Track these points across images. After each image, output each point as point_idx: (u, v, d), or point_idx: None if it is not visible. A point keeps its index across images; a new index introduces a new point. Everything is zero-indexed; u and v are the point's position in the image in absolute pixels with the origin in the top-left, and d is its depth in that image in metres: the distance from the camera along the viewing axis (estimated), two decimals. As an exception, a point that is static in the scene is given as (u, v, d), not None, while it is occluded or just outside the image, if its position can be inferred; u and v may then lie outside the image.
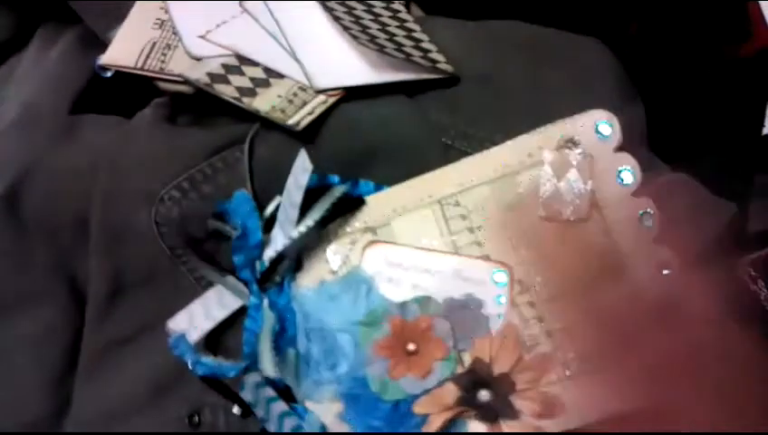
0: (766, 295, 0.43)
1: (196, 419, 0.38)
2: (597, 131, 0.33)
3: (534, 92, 0.39)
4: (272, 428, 0.34)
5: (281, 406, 0.34)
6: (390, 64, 0.39)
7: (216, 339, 0.38)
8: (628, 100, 0.38)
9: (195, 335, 0.37)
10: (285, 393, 0.35)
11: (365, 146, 0.37)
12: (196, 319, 0.37)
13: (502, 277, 0.33)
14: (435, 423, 0.32)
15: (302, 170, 0.34)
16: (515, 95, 0.39)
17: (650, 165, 0.37)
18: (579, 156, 0.33)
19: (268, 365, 0.33)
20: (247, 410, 0.36)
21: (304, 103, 0.37)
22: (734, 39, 0.38)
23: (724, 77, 0.38)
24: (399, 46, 0.39)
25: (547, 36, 0.40)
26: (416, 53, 0.39)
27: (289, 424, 0.34)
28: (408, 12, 0.42)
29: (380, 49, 0.38)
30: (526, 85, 0.39)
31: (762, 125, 0.38)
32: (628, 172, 0.32)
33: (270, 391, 0.34)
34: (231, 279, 0.37)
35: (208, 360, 0.34)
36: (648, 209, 0.32)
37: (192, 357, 0.34)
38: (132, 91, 0.43)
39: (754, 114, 0.38)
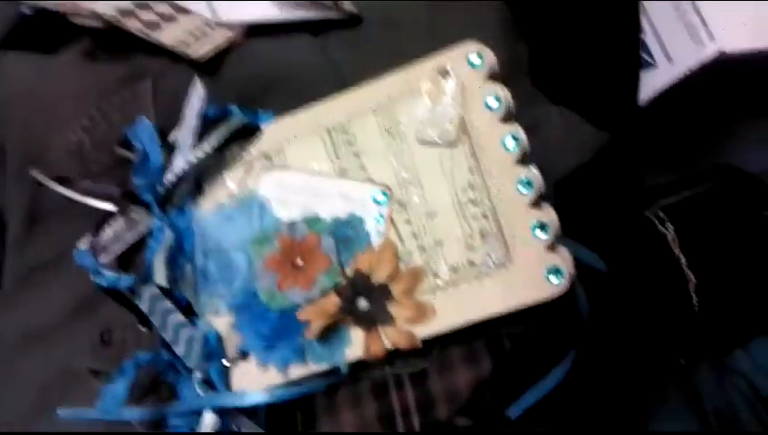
0: (673, 237, 0.46)
1: (107, 337, 0.40)
2: (468, 62, 0.35)
3: (429, 34, 0.41)
4: (168, 337, 0.36)
5: (177, 317, 0.36)
6: (296, 4, 0.41)
7: (132, 261, 0.40)
8: (511, 38, 0.41)
9: (106, 258, 0.39)
10: (186, 310, 0.38)
11: (265, 78, 0.40)
12: (107, 242, 0.40)
13: (382, 197, 0.36)
14: (314, 328, 0.35)
15: (196, 96, 0.36)
16: (412, 37, 0.42)
17: (532, 99, 0.40)
18: (451, 84, 0.35)
19: (160, 276, 0.36)
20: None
21: (209, 37, 0.39)
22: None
23: (600, 14, 0.40)
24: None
25: None
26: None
27: (185, 334, 0.36)
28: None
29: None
30: (423, 28, 0.42)
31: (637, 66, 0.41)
32: (494, 99, 0.34)
33: (167, 304, 0.37)
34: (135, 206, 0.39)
35: (108, 273, 0.37)
36: (513, 133, 0.34)
37: (93, 270, 0.37)
38: (54, 30, 0.45)
39: (629, 51, 0.41)
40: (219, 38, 0.40)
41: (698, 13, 0.44)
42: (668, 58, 0.45)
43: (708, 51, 0.43)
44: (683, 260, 0.44)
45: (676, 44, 0.44)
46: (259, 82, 0.40)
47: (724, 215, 0.45)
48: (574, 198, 0.40)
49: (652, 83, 0.45)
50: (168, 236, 0.37)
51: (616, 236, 0.44)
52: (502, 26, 0.41)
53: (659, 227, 0.47)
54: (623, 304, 0.44)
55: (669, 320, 0.46)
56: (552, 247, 0.34)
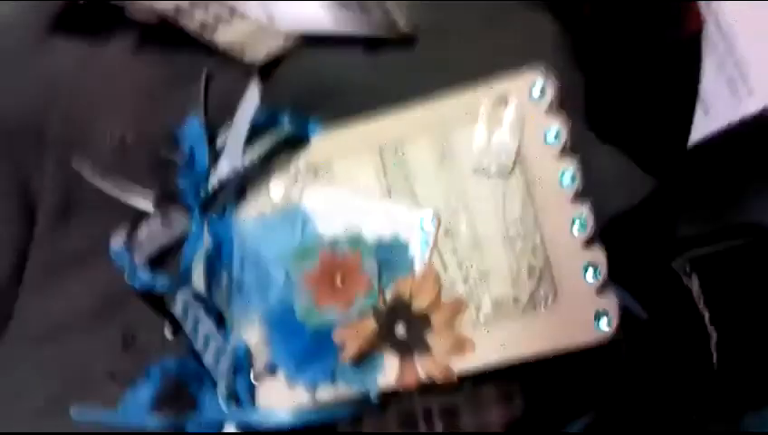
0: (698, 291, 0.45)
1: (131, 340, 0.40)
2: (530, 92, 0.34)
3: (484, 50, 0.41)
4: (198, 345, 0.35)
5: (209, 326, 0.36)
6: (351, 18, 0.40)
7: (164, 262, 0.40)
8: (569, 69, 0.40)
9: (137, 257, 0.39)
10: (218, 319, 0.37)
11: (316, 89, 0.39)
12: (141, 241, 0.39)
13: (429, 223, 0.35)
14: (350, 351, 0.34)
15: (250, 102, 0.35)
16: (467, 51, 0.41)
17: (581, 134, 0.39)
18: (511, 114, 0.34)
19: (198, 282, 0.35)
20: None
21: (264, 42, 0.39)
22: (671, 22, 0.40)
23: (661, 59, 0.40)
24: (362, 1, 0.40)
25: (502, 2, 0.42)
26: (377, 11, 0.41)
27: (214, 344, 0.35)
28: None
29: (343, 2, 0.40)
30: (478, 43, 0.41)
31: (692, 111, 0.40)
32: (554, 132, 0.34)
33: (200, 311, 0.36)
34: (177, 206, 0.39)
35: (144, 273, 0.36)
36: (570, 169, 0.33)
37: (129, 269, 0.36)
38: (104, 19, 0.44)
39: (685, 100, 0.40)
40: (273, 44, 0.39)
41: (739, 67, 0.43)
42: (706, 111, 0.44)
43: (747, 106, 0.42)
44: (706, 315, 0.44)
45: (714, 98, 0.44)
46: (310, 92, 0.39)
47: (752, 274, 0.44)
48: (619, 243, 0.39)
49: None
50: (206, 241, 0.36)
51: (647, 286, 0.44)
52: (558, 52, 0.40)
53: (685, 280, 0.46)
54: (648, 355, 0.43)
55: (688, 374, 0.45)
56: (600, 291, 0.33)
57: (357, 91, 0.40)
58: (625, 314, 0.37)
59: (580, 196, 0.34)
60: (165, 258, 0.40)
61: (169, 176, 0.39)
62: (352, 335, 0.34)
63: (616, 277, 0.36)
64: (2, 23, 0.43)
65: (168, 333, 0.38)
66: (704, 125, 0.44)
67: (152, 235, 0.39)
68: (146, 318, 0.39)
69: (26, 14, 0.45)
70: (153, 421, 0.35)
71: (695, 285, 0.45)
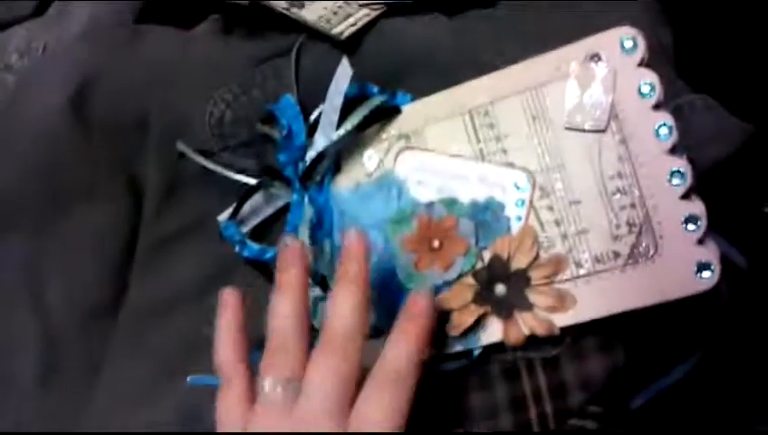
0: None
1: None
2: (621, 46, 0.34)
3: (569, 14, 0.40)
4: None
5: (316, 292, 0.37)
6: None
7: (264, 234, 0.41)
8: (657, 23, 0.39)
9: (244, 229, 0.41)
10: (322, 284, 0.39)
11: (405, 59, 0.40)
12: (244, 214, 0.41)
13: (524, 183, 0.36)
14: (457, 325, 0.35)
15: (343, 76, 0.36)
16: (551, 16, 0.41)
17: (674, 85, 0.39)
18: (603, 69, 0.34)
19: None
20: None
21: (348, 16, 0.40)
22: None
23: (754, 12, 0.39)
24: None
25: None
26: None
27: (321, 308, 0.37)
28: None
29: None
30: (561, 8, 0.41)
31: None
32: (648, 86, 0.33)
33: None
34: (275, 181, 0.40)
35: (253, 244, 0.38)
36: (666, 122, 0.33)
37: (239, 240, 0.38)
38: (191, 6, 0.46)
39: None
40: (358, 17, 0.40)
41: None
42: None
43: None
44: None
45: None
46: (398, 61, 0.40)
47: None
48: (718, 191, 0.38)
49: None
50: (308, 211, 0.38)
51: (748, 236, 0.43)
52: (645, 8, 0.40)
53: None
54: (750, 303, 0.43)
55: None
56: (701, 241, 0.33)
57: (439, 59, 0.40)
58: (726, 264, 0.37)
59: (677, 148, 0.34)
60: (266, 230, 0.42)
61: (268, 151, 0.41)
62: (454, 298, 0.35)
63: (716, 227, 0.35)
64: (96, 24, 0.45)
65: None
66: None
67: (255, 208, 0.41)
68: (251, 288, 0.41)
69: (115, 9, 0.47)
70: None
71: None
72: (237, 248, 0.38)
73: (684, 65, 0.39)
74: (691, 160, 0.34)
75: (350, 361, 0.30)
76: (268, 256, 0.38)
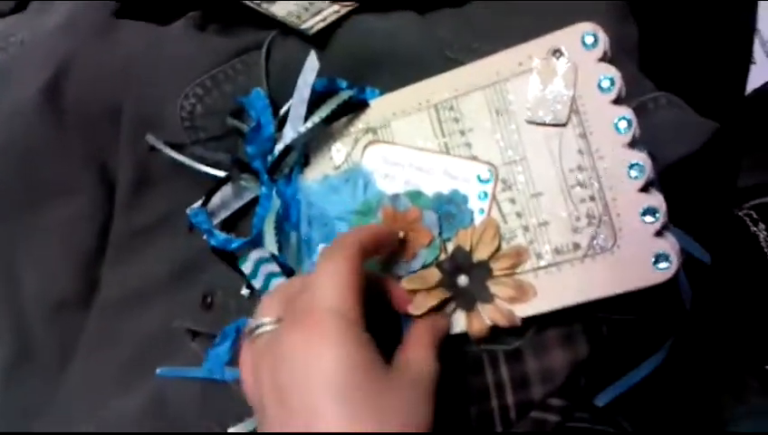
0: (765, 237, 0.45)
1: (209, 300, 0.42)
2: (582, 42, 0.35)
3: (536, 11, 0.41)
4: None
5: (279, 281, 0.38)
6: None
7: (234, 226, 0.42)
8: (621, 19, 0.40)
9: (214, 221, 0.41)
10: (289, 276, 0.39)
11: (372, 55, 0.40)
12: (214, 207, 0.41)
13: (486, 175, 0.36)
14: (419, 304, 0.35)
15: (310, 70, 0.37)
16: (519, 14, 0.41)
17: (638, 83, 0.40)
18: (564, 65, 0.35)
19: (270, 243, 0.37)
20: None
21: (319, 11, 0.40)
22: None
23: (716, 4, 0.39)
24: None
25: None
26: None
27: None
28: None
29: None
30: (529, 5, 0.42)
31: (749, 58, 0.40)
32: (608, 80, 0.34)
33: (273, 267, 0.38)
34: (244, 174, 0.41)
35: (220, 233, 0.38)
36: (625, 116, 0.34)
37: (207, 229, 0.38)
38: (168, 4, 0.47)
39: (742, 43, 0.40)
40: (329, 12, 0.40)
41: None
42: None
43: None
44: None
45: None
46: (366, 57, 0.40)
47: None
48: (680, 188, 0.39)
49: (751, 80, 0.44)
50: (275, 202, 0.38)
51: (711, 232, 0.44)
52: (611, 7, 0.40)
53: (752, 227, 0.45)
54: (715, 300, 0.43)
55: (757, 322, 0.45)
56: (659, 234, 0.33)
57: (409, 55, 0.41)
58: (689, 260, 0.38)
59: (636, 142, 0.34)
60: (235, 222, 0.42)
61: (239, 145, 0.41)
62: (419, 285, 0.36)
63: (680, 223, 0.36)
64: (74, 16, 0.46)
65: (243, 292, 0.40)
66: (765, 71, 0.44)
67: (224, 201, 0.41)
68: (221, 280, 0.42)
69: (93, 4, 0.47)
70: (233, 374, 0.38)
71: (762, 231, 0.44)
72: (204, 235, 0.39)
73: (649, 63, 0.40)
74: (651, 155, 0.34)
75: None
76: (234, 246, 0.38)
